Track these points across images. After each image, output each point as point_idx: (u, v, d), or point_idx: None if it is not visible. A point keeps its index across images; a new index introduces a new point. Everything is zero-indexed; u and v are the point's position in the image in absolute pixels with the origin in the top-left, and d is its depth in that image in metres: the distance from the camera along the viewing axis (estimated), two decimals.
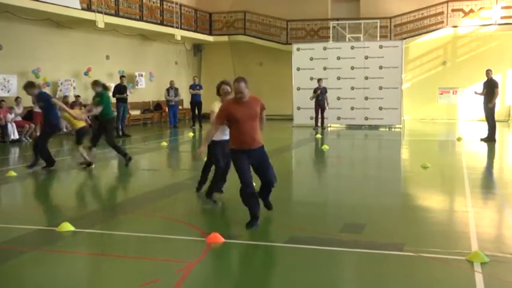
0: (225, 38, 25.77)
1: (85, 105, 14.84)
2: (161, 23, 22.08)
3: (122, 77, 18.69)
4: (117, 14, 19.44)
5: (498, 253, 5.13)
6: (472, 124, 21.32)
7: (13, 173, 9.86)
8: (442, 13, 23.12)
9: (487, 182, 9.59)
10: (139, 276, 4.67)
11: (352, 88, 20.37)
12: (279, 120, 22.31)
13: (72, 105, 16.01)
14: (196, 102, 20.71)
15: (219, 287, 4.56)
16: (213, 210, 7.07)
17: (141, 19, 20.81)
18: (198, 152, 6.38)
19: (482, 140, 14.94)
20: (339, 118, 20.67)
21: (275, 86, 24.57)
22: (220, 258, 5.31)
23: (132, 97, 20.32)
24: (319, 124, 19.51)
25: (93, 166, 10.66)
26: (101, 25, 18.22)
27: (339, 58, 20.53)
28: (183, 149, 15.85)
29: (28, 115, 16.40)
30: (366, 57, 20.18)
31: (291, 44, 22.72)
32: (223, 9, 26.01)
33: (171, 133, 19.47)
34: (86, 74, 19.13)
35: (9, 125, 15.55)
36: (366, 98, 20.24)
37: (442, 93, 24.16)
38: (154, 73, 23.18)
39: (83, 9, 17.47)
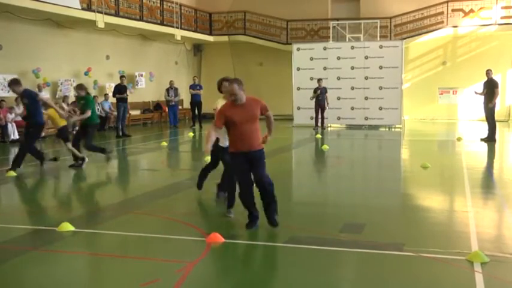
0: (225, 38, 25.76)
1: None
2: (161, 23, 22.07)
3: (122, 77, 18.68)
4: (117, 14, 19.44)
5: (498, 253, 5.13)
6: (472, 124, 21.31)
7: (13, 173, 9.85)
8: (442, 13, 23.11)
9: (487, 182, 9.58)
10: (139, 276, 4.67)
11: (352, 88, 20.36)
12: (279, 120, 22.14)
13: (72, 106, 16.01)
14: (196, 102, 20.73)
15: (219, 287, 4.57)
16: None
17: (141, 19, 20.80)
18: (206, 151, 6.02)
19: (482, 140, 14.93)
20: (339, 118, 20.67)
21: (275, 86, 24.54)
22: (220, 258, 5.31)
23: (132, 97, 20.34)
24: (319, 124, 19.51)
25: (87, 160, 10.78)
26: (101, 25, 18.22)
27: (339, 58, 20.52)
28: (183, 149, 15.86)
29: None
30: (366, 57, 20.17)
31: (291, 44, 22.72)
32: (223, 9, 25.99)
33: (171, 133, 19.47)
34: (86, 74, 19.15)
35: (9, 125, 15.56)
36: (366, 98, 20.24)
37: (442, 93, 24.16)
38: (154, 73, 23.19)
39: (83, 9, 17.46)
